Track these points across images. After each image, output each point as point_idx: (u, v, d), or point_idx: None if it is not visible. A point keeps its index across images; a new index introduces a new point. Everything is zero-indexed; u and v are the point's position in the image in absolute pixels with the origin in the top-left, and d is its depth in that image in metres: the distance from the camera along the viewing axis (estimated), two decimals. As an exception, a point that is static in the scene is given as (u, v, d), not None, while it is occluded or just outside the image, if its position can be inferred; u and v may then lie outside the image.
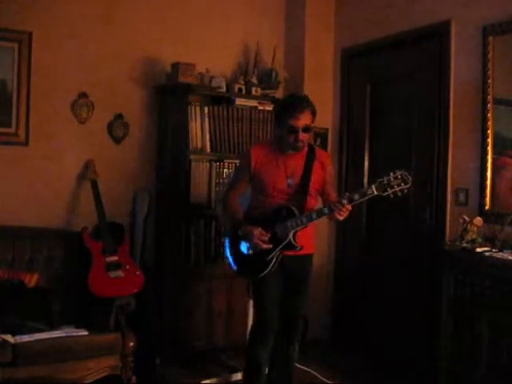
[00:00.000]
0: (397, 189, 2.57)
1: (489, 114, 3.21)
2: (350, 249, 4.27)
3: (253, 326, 3.01)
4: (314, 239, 3.00)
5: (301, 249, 2.79)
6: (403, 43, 3.81)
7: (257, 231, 2.76)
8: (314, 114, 2.83)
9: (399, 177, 2.59)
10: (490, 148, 3.22)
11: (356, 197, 2.64)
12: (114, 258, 3.41)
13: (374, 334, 3.97)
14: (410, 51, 3.79)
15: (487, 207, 3.22)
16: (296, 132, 2.75)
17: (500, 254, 2.86)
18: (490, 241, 2.99)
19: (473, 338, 2.85)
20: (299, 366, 3.39)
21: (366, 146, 4.14)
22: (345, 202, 2.64)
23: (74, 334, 2.89)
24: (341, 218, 2.69)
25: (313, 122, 2.85)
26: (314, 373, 3.61)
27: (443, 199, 3.49)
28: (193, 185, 3.80)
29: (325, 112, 4.37)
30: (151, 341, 3.58)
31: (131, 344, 2.95)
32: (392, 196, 2.62)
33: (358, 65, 4.23)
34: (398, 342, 3.74)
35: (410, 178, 2.58)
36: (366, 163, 4.14)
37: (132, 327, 3.04)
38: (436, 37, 3.55)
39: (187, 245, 3.81)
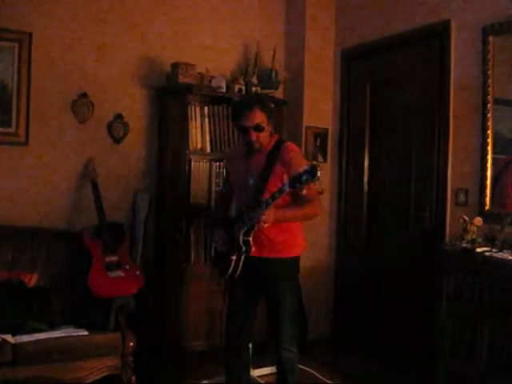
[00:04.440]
0: (305, 184, 2.44)
1: (489, 114, 3.21)
2: (350, 249, 4.27)
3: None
4: (292, 243, 2.86)
5: (248, 251, 2.71)
6: (403, 43, 3.81)
7: (217, 232, 2.88)
8: (265, 111, 2.75)
9: (309, 170, 2.44)
10: (489, 148, 3.22)
11: (269, 200, 2.55)
12: (114, 258, 3.41)
13: (374, 334, 3.97)
14: (410, 51, 3.79)
15: (487, 207, 3.22)
16: (247, 131, 2.73)
17: (500, 254, 2.85)
18: (490, 241, 2.99)
19: (473, 337, 2.85)
20: (299, 366, 3.38)
21: (366, 146, 4.14)
22: (260, 209, 2.57)
23: (74, 333, 2.89)
24: (264, 225, 2.58)
25: (269, 119, 2.76)
26: (314, 373, 3.61)
27: (443, 199, 3.49)
28: (193, 185, 3.81)
29: (325, 112, 4.38)
30: (151, 341, 3.58)
31: (131, 344, 2.95)
32: (304, 190, 2.53)
33: (358, 65, 4.24)
34: (398, 342, 3.75)
35: (318, 172, 2.40)
36: (366, 163, 4.14)
37: (132, 327, 3.04)
38: (436, 37, 3.55)
39: (187, 245, 3.82)
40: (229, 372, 3.02)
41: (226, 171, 3.18)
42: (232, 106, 2.92)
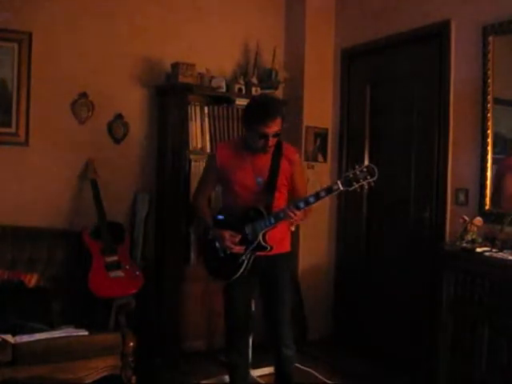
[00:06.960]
0: (363, 182, 2.50)
1: (489, 114, 3.21)
2: (350, 249, 4.27)
3: (225, 329, 3.04)
4: (287, 238, 2.95)
5: (271, 249, 2.75)
6: (403, 43, 3.81)
7: (227, 233, 2.77)
8: (283, 117, 2.78)
9: (365, 170, 2.51)
10: (489, 148, 3.22)
11: (301, 204, 2.61)
12: (114, 258, 3.41)
13: (374, 334, 3.97)
14: (410, 51, 3.80)
15: (487, 207, 3.23)
16: (266, 138, 2.72)
17: (500, 254, 2.86)
18: (490, 241, 2.99)
19: (473, 337, 2.85)
20: (299, 366, 3.39)
21: (366, 146, 4.14)
22: (290, 208, 2.62)
23: (74, 333, 2.89)
24: (295, 223, 2.71)
25: (282, 124, 2.78)
26: (314, 373, 3.61)
27: (443, 199, 3.49)
28: (193, 185, 3.80)
29: (325, 112, 4.39)
30: (151, 341, 3.58)
31: (131, 344, 2.95)
32: (359, 190, 2.57)
33: (358, 65, 4.24)
34: (398, 341, 3.75)
35: (377, 171, 2.50)
36: (366, 163, 4.12)
37: (132, 327, 3.04)
38: (436, 37, 3.55)
39: (187, 245, 3.81)
40: (234, 371, 3.02)
41: (213, 170, 2.92)
42: (254, 111, 2.73)
